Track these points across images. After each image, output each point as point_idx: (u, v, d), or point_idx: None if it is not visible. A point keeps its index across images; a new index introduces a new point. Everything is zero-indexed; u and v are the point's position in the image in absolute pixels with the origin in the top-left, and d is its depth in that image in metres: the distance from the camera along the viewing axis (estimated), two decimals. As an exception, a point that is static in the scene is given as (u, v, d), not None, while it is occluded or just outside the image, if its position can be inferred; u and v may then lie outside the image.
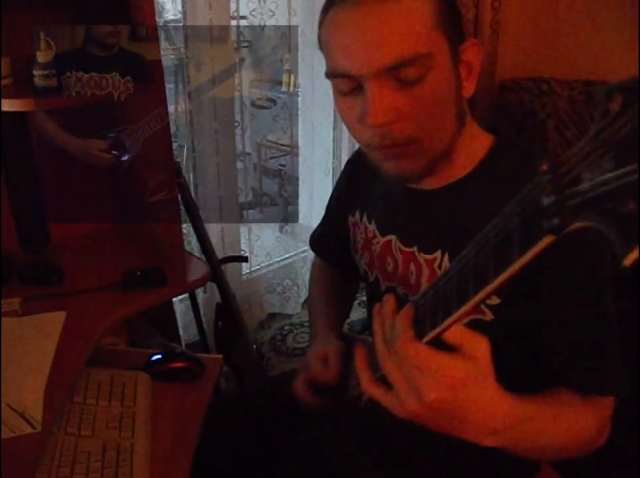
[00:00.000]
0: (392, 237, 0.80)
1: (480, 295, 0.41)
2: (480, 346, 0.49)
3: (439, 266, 0.73)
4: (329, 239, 1.01)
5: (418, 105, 0.63)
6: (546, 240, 0.35)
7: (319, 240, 1.05)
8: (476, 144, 0.73)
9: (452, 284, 0.46)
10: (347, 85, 0.65)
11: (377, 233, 0.82)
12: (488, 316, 0.69)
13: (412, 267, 0.76)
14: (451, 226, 0.71)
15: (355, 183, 0.88)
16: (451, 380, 0.48)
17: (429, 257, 0.74)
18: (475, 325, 0.69)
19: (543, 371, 0.68)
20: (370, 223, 0.84)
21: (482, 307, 0.69)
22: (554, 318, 0.66)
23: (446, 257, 0.72)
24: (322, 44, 0.68)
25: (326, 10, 0.65)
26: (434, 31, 0.61)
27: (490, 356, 0.49)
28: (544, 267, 0.61)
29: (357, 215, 0.87)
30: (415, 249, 0.76)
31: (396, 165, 0.68)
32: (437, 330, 0.47)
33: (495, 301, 0.68)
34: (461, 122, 0.69)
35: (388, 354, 0.52)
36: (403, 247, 0.78)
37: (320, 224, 1.05)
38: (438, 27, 0.62)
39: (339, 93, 0.67)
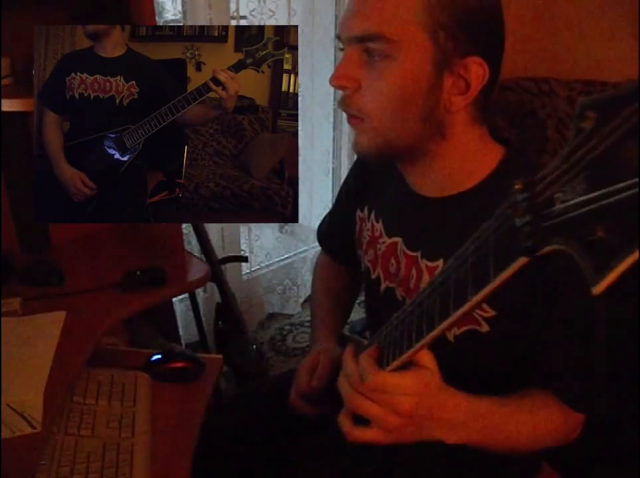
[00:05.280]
0: (398, 239, 0.80)
1: (459, 312, 0.42)
2: (428, 358, 0.57)
3: None
4: (336, 233, 1.00)
5: (377, 85, 0.66)
6: (520, 261, 0.34)
7: (325, 233, 1.04)
8: (483, 156, 0.72)
9: (434, 300, 0.47)
10: (342, 46, 0.70)
11: (383, 233, 0.82)
12: (484, 327, 0.70)
13: (414, 271, 0.77)
14: (455, 236, 0.71)
15: (366, 178, 0.88)
16: (415, 388, 0.56)
17: (431, 264, 0.74)
18: (471, 336, 0.70)
19: (530, 381, 0.70)
20: (377, 221, 0.84)
21: (478, 318, 0.70)
22: (545, 335, 0.68)
23: None
24: None
25: None
26: (415, 26, 0.63)
27: (435, 363, 0.57)
28: (538, 283, 0.62)
29: (365, 211, 0.87)
30: (419, 254, 0.76)
31: (354, 136, 0.72)
32: (421, 342, 0.50)
33: (490, 313, 0.69)
34: (433, 129, 0.68)
35: (356, 393, 0.58)
36: (408, 251, 0.78)
37: (328, 216, 1.04)
38: (422, 26, 0.63)
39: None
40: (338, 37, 0.70)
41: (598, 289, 0.27)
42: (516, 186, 0.35)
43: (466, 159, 0.71)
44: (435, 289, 0.47)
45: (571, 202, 0.29)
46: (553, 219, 0.31)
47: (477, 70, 0.65)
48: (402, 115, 0.67)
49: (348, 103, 0.69)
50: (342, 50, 0.70)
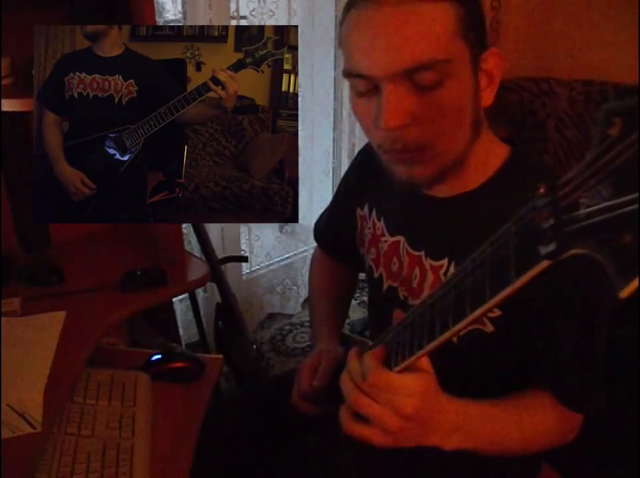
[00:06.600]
0: (401, 238, 0.79)
1: (475, 314, 0.42)
2: (426, 361, 0.57)
3: (445, 274, 0.72)
4: (334, 231, 1.00)
5: (433, 111, 0.62)
6: (542, 265, 0.34)
7: (323, 230, 1.04)
8: (491, 155, 0.72)
9: (448, 301, 0.46)
10: (363, 85, 0.64)
11: (385, 231, 0.82)
12: (489, 328, 0.70)
13: (417, 271, 0.76)
14: (460, 236, 0.71)
15: (366, 175, 0.87)
16: (418, 390, 0.55)
17: (435, 263, 0.74)
18: (475, 336, 0.70)
19: (531, 381, 0.70)
20: (379, 220, 0.84)
21: (483, 318, 0.69)
22: (547, 336, 0.68)
23: (453, 265, 0.72)
24: (342, 43, 0.67)
25: (347, 9, 0.65)
26: (455, 37, 0.61)
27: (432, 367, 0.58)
28: (544, 286, 0.62)
29: (366, 209, 0.87)
30: (422, 253, 0.76)
31: (406, 170, 0.67)
32: (435, 342, 0.49)
33: (496, 313, 0.68)
34: (476, 131, 0.68)
35: (357, 390, 0.58)
36: (410, 250, 0.77)
37: (326, 214, 1.03)
38: (459, 33, 0.61)
39: (355, 93, 0.67)
40: (360, 76, 0.63)
41: (625, 292, 0.27)
42: (540, 190, 0.35)
43: (479, 158, 0.71)
44: (449, 291, 0.47)
45: (597, 207, 0.29)
46: (577, 223, 0.31)
47: (496, 61, 0.65)
48: (460, 130, 0.65)
49: (407, 140, 0.63)
50: (364, 93, 0.64)
